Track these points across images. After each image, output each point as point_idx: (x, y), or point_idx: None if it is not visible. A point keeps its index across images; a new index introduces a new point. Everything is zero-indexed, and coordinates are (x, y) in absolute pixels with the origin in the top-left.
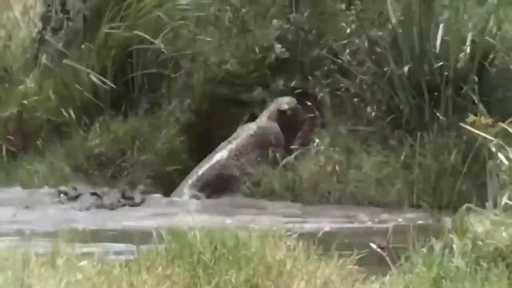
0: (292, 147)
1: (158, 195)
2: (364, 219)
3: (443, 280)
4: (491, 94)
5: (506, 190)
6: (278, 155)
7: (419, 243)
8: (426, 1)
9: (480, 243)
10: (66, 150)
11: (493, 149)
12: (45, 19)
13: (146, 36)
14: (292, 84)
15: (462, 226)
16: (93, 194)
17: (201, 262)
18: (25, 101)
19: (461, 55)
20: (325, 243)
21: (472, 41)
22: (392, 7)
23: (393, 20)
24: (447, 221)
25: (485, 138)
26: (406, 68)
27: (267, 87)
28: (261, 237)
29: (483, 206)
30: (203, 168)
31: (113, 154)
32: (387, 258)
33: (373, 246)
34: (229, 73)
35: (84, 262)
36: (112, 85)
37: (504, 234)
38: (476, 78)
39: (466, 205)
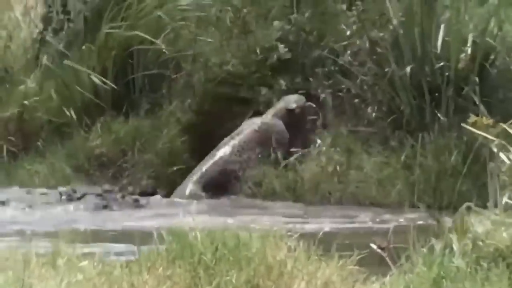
0: (292, 149)
1: (158, 196)
2: (364, 220)
3: (444, 280)
4: (492, 95)
5: (506, 190)
6: (279, 155)
7: (419, 243)
8: (427, 1)
9: (481, 243)
10: (66, 151)
11: (495, 150)
12: (46, 20)
13: (146, 36)
14: (294, 85)
15: (462, 226)
16: (98, 195)
17: (202, 263)
18: (25, 102)
19: (462, 55)
20: (325, 244)
21: (473, 42)
22: (393, 8)
23: (394, 21)
24: (447, 221)
25: (486, 138)
26: (408, 69)
27: (271, 87)
28: (262, 237)
29: (483, 206)
30: (206, 165)
31: (114, 154)
32: (387, 258)
33: (374, 246)
34: (230, 74)
35: (85, 263)
36: (113, 85)
37: (504, 234)
38: (477, 79)
39: (466, 204)
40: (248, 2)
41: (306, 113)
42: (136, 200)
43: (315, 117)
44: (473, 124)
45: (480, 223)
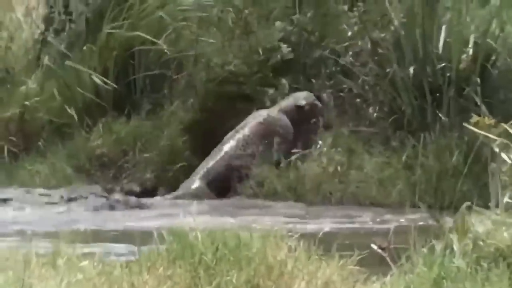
0: (294, 150)
1: (159, 197)
2: (365, 220)
3: (444, 280)
4: (493, 96)
5: (507, 190)
6: (282, 150)
7: (420, 243)
8: (428, 2)
9: (481, 243)
10: (67, 151)
11: (496, 150)
12: (47, 20)
13: (148, 37)
14: (296, 85)
15: (463, 226)
16: (98, 195)
17: (202, 263)
18: (26, 102)
19: (464, 56)
20: (326, 244)
21: (475, 42)
22: (395, 8)
23: (396, 22)
24: (448, 221)
25: (488, 138)
26: (411, 70)
27: (273, 87)
28: (262, 237)
29: (484, 206)
30: (212, 160)
31: (115, 155)
32: (388, 258)
33: (374, 246)
34: (232, 74)
35: (85, 263)
36: (114, 86)
37: (505, 234)
38: (478, 80)
39: (466, 203)
40: (250, 2)
41: (315, 111)
42: (137, 200)
43: (322, 116)
44: (475, 124)
45: (480, 223)
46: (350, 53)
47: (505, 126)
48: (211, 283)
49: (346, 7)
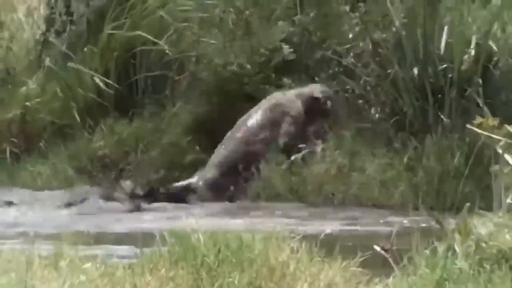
0: (300, 146)
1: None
2: (367, 221)
3: (447, 282)
4: (495, 97)
5: (510, 191)
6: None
7: (422, 245)
8: (430, 3)
9: (484, 245)
10: (69, 152)
11: (500, 151)
12: (49, 21)
13: (149, 37)
14: (299, 85)
15: (465, 228)
16: (100, 197)
17: (204, 265)
18: (28, 103)
19: (465, 57)
20: (328, 245)
21: (476, 43)
22: (396, 9)
23: (397, 23)
24: (450, 223)
25: (491, 139)
26: (415, 71)
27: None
28: (264, 239)
29: (486, 208)
30: (226, 147)
31: (117, 156)
32: (390, 260)
33: (377, 248)
34: (234, 74)
35: (87, 265)
36: (116, 85)
37: (507, 236)
38: (480, 81)
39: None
40: (251, 3)
41: (329, 106)
42: (139, 202)
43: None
44: (479, 126)
45: (483, 225)
46: (352, 54)
47: (509, 127)
48: (213, 284)
49: (347, 8)
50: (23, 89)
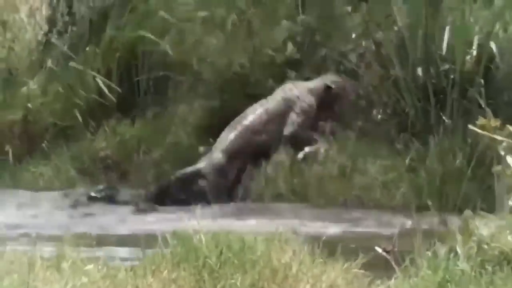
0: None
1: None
2: (369, 223)
3: (448, 283)
4: (497, 97)
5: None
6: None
7: (424, 246)
8: (432, 3)
9: (486, 246)
10: (71, 153)
11: (502, 152)
12: (50, 21)
13: (152, 37)
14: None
15: (467, 229)
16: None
17: (206, 266)
18: (29, 104)
19: (467, 58)
20: (330, 247)
21: (478, 44)
22: (398, 10)
23: (399, 23)
24: (452, 224)
25: (493, 140)
26: (419, 71)
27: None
28: (266, 240)
29: (488, 209)
30: (232, 132)
31: (119, 157)
32: (392, 261)
33: (379, 249)
34: (237, 74)
35: (89, 266)
36: (118, 88)
37: (509, 237)
38: (482, 81)
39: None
40: (253, 3)
41: (342, 96)
42: (141, 203)
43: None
44: (481, 127)
45: (485, 226)
46: (354, 54)
47: (511, 128)
48: (215, 286)
49: (349, 8)
50: (25, 89)
